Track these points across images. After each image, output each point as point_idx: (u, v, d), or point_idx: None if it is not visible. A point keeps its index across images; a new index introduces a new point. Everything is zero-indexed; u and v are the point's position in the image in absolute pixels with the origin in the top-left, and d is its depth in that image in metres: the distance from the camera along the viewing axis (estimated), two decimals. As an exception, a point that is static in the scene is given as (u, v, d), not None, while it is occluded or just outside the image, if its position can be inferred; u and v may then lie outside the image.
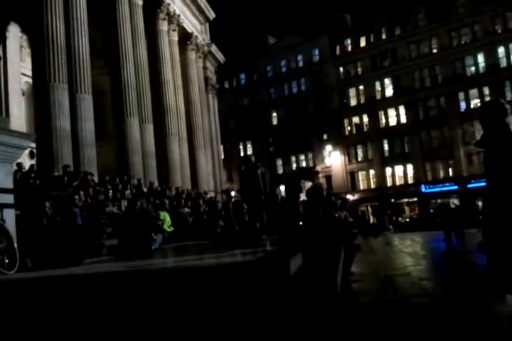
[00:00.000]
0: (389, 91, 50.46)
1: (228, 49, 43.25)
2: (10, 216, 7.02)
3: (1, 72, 20.11)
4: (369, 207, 49.18)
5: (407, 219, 41.85)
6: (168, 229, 12.91)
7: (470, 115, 44.72)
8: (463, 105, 46.13)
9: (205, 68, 35.63)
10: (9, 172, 7.46)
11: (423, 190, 46.57)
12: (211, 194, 25.72)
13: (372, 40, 51.42)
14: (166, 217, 13.24)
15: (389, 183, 49.33)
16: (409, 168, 48.45)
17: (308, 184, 24.77)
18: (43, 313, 4.45)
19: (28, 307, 4.54)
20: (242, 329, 4.03)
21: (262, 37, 60.52)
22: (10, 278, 5.86)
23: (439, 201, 39.06)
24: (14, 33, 22.22)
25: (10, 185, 7.28)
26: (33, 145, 15.09)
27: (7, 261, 6.48)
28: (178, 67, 27.71)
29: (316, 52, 54.83)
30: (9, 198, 7.17)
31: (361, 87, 51.79)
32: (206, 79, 35.90)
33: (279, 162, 55.61)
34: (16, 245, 6.71)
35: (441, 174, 47.01)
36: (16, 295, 4.81)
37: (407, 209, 49.26)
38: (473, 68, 46.34)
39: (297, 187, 12.03)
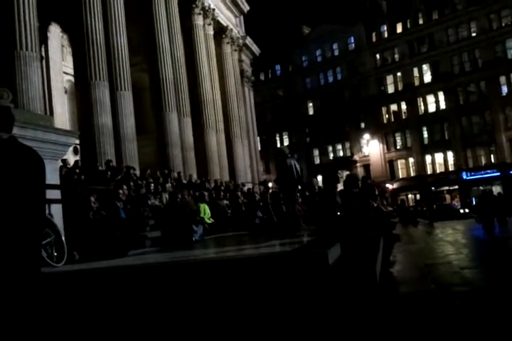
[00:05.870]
0: (427, 78, 49.46)
1: (263, 41, 43.12)
2: (57, 211, 7.30)
3: (44, 71, 20.68)
4: (409, 196, 48.55)
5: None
6: (208, 221, 13.15)
7: (512, 99, 43.60)
8: (504, 89, 44.90)
9: (240, 61, 35.70)
10: (55, 168, 7.77)
11: (464, 177, 45.64)
12: (249, 185, 25.89)
13: (408, 25, 50.45)
14: (205, 209, 13.47)
15: (429, 171, 48.52)
16: (450, 155, 47.50)
17: (346, 174, 24.70)
18: (90, 304, 4.67)
19: (75, 299, 4.76)
20: (281, 318, 4.15)
21: (297, 27, 60.15)
22: (59, 270, 6.08)
23: (481, 188, 38.23)
24: (55, 33, 22.82)
25: (56, 181, 7.59)
26: (77, 141, 15.54)
27: (55, 254, 6.78)
28: (214, 60, 27.89)
29: (352, 40, 54.14)
30: (56, 194, 7.46)
31: (399, 74, 50.94)
32: (242, 71, 35.98)
33: (316, 152, 55.42)
34: (63, 239, 6.99)
35: (483, 161, 45.95)
36: (64, 286, 5.03)
37: (448, 197, 48.40)
38: (514, 51, 44.95)
39: (334, 178, 12.09)
